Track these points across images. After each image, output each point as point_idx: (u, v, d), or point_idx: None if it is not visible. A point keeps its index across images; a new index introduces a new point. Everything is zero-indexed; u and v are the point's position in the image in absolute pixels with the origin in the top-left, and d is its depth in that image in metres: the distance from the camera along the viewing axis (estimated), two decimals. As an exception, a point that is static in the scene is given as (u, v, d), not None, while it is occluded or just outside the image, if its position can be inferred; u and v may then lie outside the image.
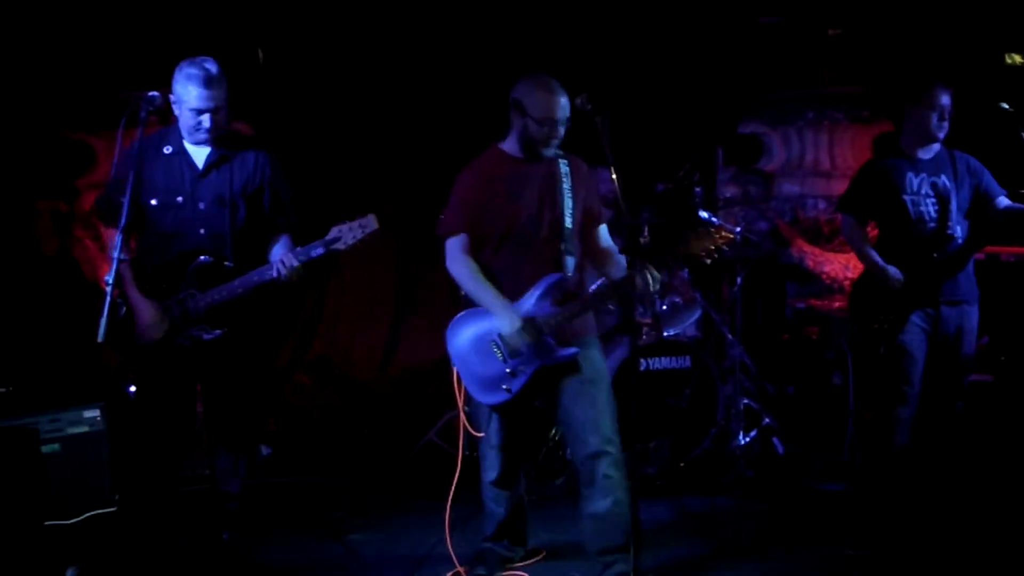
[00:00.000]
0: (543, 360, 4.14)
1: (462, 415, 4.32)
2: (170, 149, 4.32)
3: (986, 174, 4.94)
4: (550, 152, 4.21)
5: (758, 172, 7.68)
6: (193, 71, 4.21)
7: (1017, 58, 6.70)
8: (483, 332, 4.19)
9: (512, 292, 4.18)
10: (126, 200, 4.06)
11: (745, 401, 6.22)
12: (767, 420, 6.23)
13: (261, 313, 4.55)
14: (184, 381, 4.42)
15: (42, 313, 6.08)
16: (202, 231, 4.33)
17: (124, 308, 4.26)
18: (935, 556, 4.54)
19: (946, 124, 4.83)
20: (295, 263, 4.26)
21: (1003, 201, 4.89)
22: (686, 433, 5.90)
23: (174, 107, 4.27)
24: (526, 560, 4.57)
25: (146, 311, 4.26)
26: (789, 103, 7.56)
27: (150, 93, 4.14)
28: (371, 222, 4.31)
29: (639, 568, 4.01)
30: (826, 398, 6.39)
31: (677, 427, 5.88)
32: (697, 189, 6.40)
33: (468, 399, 4.29)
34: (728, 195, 7.22)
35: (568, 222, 4.22)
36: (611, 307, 5.71)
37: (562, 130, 4.16)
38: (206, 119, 4.25)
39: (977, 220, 4.94)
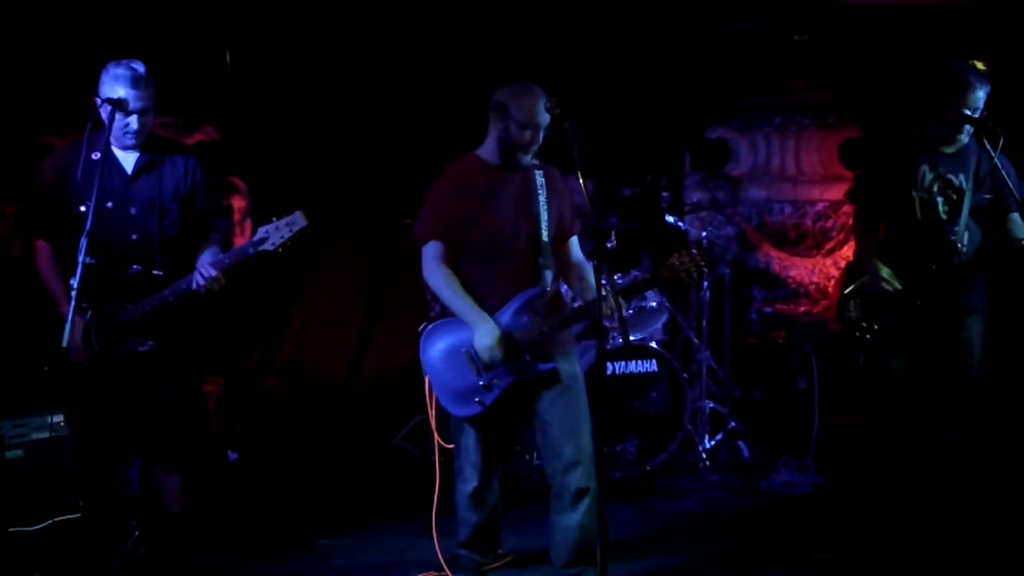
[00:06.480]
0: (519, 375, 4.11)
1: (432, 423, 4.28)
2: (98, 155, 4.17)
3: (1011, 183, 4.39)
4: (527, 159, 4.17)
5: (725, 177, 7.73)
6: (120, 71, 4.12)
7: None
8: (457, 343, 4.14)
9: (487, 305, 4.12)
10: (91, 204, 4.00)
11: (711, 405, 6.27)
12: (733, 424, 6.28)
13: (199, 321, 4.44)
14: (125, 397, 4.34)
15: (6, 316, 6.01)
16: (134, 236, 4.23)
17: (89, 313, 4.20)
18: (902, 557, 4.58)
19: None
20: (213, 273, 4.12)
21: (1016, 220, 4.46)
22: (653, 437, 5.92)
23: (100, 111, 4.16)
24: (495, 564, 4.55)
25: (76, 328, 4.11)
26: (757, 109, 7.61)
27: (116, 96, 4.09)
28: (298, 219, 4.15)
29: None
30: (792, 402, 6.43)
31: (644, 431, 5.90)
32: (664, 194, 6.46)
33: (440, 409, 4.24)
34: (695, 200, 7.25)
35: (545, 235, 4.18)
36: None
37: (541, 137, 4.13)
38: (134, 120, 4.15)
39: (992, 230, 4.52)
